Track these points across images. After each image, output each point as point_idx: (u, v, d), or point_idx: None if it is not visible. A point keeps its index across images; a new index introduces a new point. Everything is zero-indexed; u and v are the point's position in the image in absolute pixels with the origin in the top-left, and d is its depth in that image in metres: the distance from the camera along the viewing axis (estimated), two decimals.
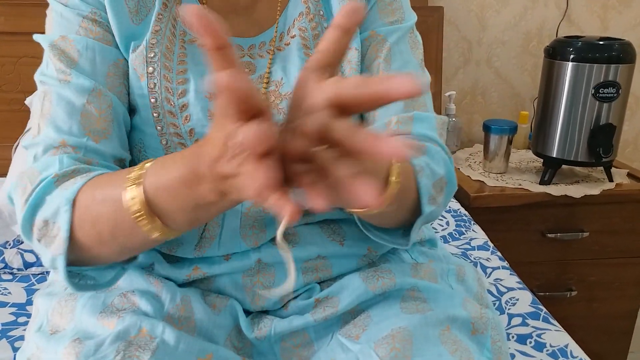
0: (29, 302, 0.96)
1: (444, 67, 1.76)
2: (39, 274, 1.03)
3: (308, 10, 0.67)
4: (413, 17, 0.72)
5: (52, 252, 0.53)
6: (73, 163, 0.56)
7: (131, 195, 0.47)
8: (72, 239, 0.52)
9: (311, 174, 0.35)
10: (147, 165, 0.48)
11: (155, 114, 0.61)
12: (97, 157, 0.59)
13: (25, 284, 1.01)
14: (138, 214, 0.47)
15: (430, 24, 1.58)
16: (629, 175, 1.57)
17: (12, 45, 1.38)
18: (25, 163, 0.60)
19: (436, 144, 0.65)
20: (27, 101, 1.24)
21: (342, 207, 0.52)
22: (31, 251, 1.04)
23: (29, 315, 0.91)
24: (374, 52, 0.68)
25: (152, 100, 0.61)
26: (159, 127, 0.61)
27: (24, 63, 1.41)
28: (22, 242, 1.05)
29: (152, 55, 0.61)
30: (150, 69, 0.61)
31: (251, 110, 0.35)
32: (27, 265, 1.04)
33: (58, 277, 0.72)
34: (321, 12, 0.68)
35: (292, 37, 0.66)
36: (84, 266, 0.57)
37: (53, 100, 0.59)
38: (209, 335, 0.62)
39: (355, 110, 0.35)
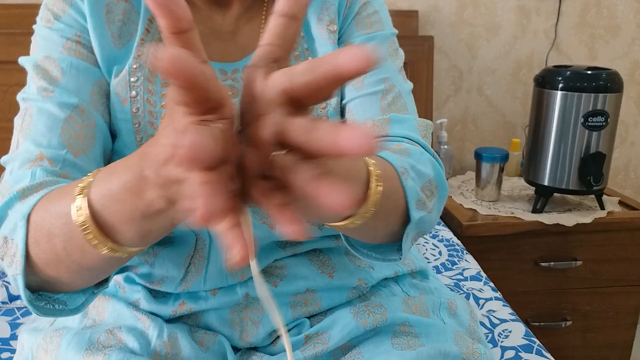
0: (13, 337, 0.93)
1: (434, 95, 1.77)
2: (23, 307, 1.01)
3: None
4: (393, 30, 0.71)
5: (12, 272, 0.49)
6: (46, 176, 0.53)
7: (77, 206, 0.42)
8: (28, 257, 0.48)
9: (278, 194, 0.30)
10: (98, 173, 0.44)
11: (138, 138, 0.60)
12: (75, 172, 0.56)
13: (10, 318, 0.98)
14: (83, 226, 0.42)
15: (421, 53, 1.60)
16: (621, 203, 1.57)
17: (4, 74, 1.39)
18: (3, 178, 0.57)
19: (418, 145, 0.61)
20: None
21: (318, 221, 0.46)
22: None
23: (12, 351, 0.89)
24: None
25: (136, 124, 0.60)
26: None
27: (15, 92, 1.40)
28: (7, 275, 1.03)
29: (134, 79, 0.60)
30: (133, 92, 0.60)
31: (207, 101, 0.30)
32: (12, 298, 1.01)
33: None
34: (301, 34, 0.67)
35: None
36: (54, 292, 0.53)
37: (34, 114, 0.57)
38: None
39: (309, 101, 0.31)
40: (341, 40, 0.68)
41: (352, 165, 0.43)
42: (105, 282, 0.55)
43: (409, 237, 0.55)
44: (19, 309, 1.01)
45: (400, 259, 0.56)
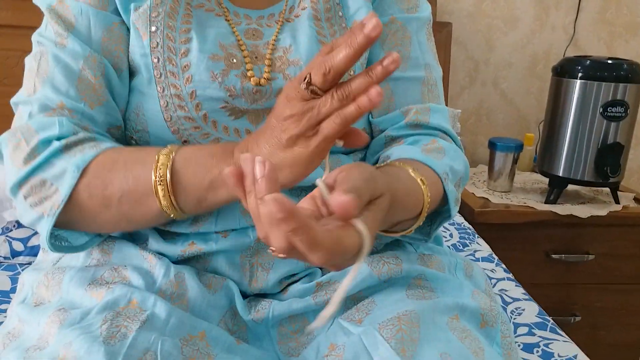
0: (13, 291, 0.91)
1: (449, 86, 1.75)
2: (25, 264, 0.99)
3: None
4: (428, 7, 0.73)
5: (38, 211, 0.55)
6: (72, 128, 0.56)
7: (162, 162, 0.52)
8: (72, 201, 0.54)
9: None
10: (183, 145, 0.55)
11: (156, 74, 0.60)
12: (92, 124, 0.59)
13: (11, 273, 0.96)
14: (161, 179, 0.52)
15: (438, 40, 1.57)
16: (636, 199, 1.54)
17: (17, 39, 1.37)
18: (19, 119, 0.59)
19: (449, 137, 0.68)
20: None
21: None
22: (20, 239, 1.01)
23: None
24: (394, 39, 0.69)
25: (154, 59, 0.60)
26: (159, 88, 0.60)
27: None
28: (12, 230, 1.02)
29: (155, 14, 0.60)
30: (153, 27, 0.60)
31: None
32: (15, 254, 1.00)
33: (47, 257, 0.69)
34: None
35: (303, 8, 0.66)
36: (67, 229, 0.58)
37: (50, 61, 0.58)
38: (202, 315, 0.59)
39: None
40: (380, 10, 0.69)
41: (416, 199, 0.55)
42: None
43: (440, 224, 0.66)
44: (20, 265, 0.99)
45: (430, 238, 0.66)
